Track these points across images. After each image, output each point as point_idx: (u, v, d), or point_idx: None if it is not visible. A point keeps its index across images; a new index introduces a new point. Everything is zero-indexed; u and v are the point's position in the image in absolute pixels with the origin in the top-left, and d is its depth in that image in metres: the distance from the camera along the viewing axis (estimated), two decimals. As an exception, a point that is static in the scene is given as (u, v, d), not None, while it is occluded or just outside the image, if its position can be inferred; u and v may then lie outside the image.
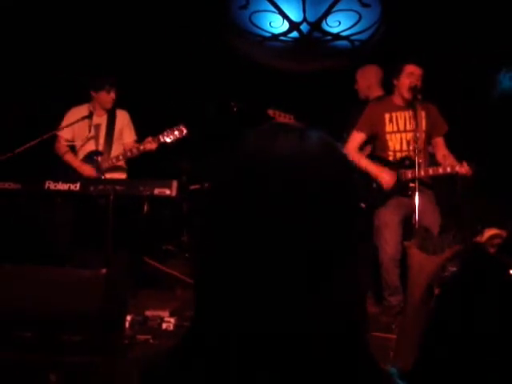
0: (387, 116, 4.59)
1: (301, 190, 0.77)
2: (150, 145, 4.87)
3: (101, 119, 5.16)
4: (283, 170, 0.78)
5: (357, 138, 4.68)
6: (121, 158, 5.01)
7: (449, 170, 4.40)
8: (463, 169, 4.35)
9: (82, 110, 5.14)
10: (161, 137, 4.85)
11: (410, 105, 4.49)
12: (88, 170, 5.00)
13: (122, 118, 5.23)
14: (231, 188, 0.80)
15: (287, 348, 0.75)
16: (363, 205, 4.55)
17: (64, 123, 5.08)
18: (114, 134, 5.16)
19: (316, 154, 0.81)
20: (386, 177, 4.50)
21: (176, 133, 4.84)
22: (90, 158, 5.10)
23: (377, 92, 5.23)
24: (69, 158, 5.13)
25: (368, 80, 5.31)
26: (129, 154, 4.97)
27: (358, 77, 5.37)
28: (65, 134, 5.10)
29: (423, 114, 4.58)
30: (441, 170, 4.43)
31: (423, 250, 1.42)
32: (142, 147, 4.90)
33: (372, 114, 4.65)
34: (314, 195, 0.77)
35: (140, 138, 5.17)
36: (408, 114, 4.53)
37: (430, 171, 4.42)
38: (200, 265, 0.83)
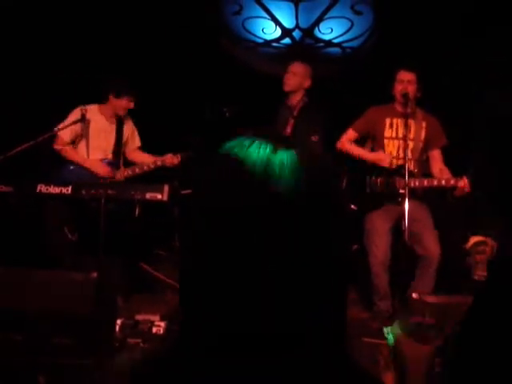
0: (388, 121, 4.62)
1: (288, 198, 0.78)
2: (170, 161, 4.88)
3: (108, 124, 5.05)
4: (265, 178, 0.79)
5: (350, 134, 4.78)
6: (137, 170, 4.95)
7: (444, 183, 4.42)
8: (462, 183, 4.35)
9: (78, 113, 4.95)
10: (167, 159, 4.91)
11: (411, 113, 4.53)
12: (103, 169, 4.91)
13: (130, 125, 5.18)
14: (215, 194, 0.81)
15: (274, 348, 0.76)
16: (354, 207, 4.60)
17: (65, 122, 4.90)
18: (122, 143, 5.09)
19: (301, 162, 0.82)
20: (383, 157, 4.57)
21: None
22: None
23: (301, 94, 5.18)
24: (74, 156, 4.96)
25: (305, 79, 5.17)
26: (146, 168, 4.93)
27: (298, 69, 5.14)
28: (64, 135, 4.93)
29: (424, 124, 4.62)
30: (435, 183, 4.43)
31: (415, 339, 1.43)
32: (159, 162, 4.89)
33: (372, 117, 4.69)
34: (299, 201, 0.79)
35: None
36: (409, 122, 4.56)
37: (425, 182, 4.44)
38: (186, 269, 0.84)
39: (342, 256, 0.83)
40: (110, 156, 5.02)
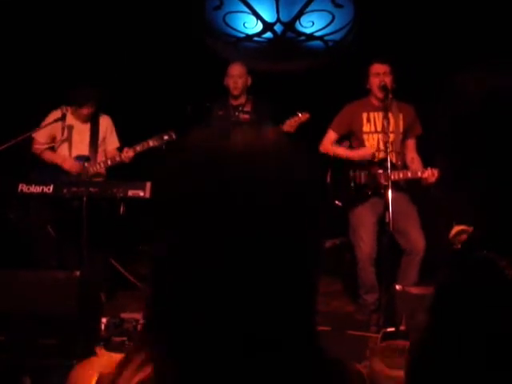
0: (365, 115, 4.61)
1: (260, 185, 0.76)
2: (126, 155, 4.81)
3: (81, 124, 5.03)
4: (241, 164, 0.77)
5: (330, 136, 4.73)
6: (102, 165, 4.92)
7: (409, 174, 4.48)
8: (425, 174, 4.41)
9: (59, 113, 4.98)
10: (150, 142, 4.79)
11: (386, 106, 4.53)
12: (73, 165, 4.88)
13: (105, 124, 5.12)
14: (183, 185, 0.78)
15: (243, 352, 0.74)
16: (339, 203, 4.59)
17: (43, 123, 4.93)
18: (98, 139, 5.04)
19: (273, 148, 0.80)
20: (364, 152, 4.57)
21: (165, 137, 4.78)
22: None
23: (245, 93, 5.26)
24: (49, 155, 4.98)
25: (247, 78, 5.27)
26: (109, 162, 4.90)
27: (240, 70, 5.23)
28: (40, 137, 4.95)
29: (401, 115, 4.61)
30: (409, 175, 4.50)
31: (388, 365, 1.43)
32: (118, 158, 4.85)
33: (348, 114, 4.68)
34: (274, 188, 0.76)
35: (122, 140, 5.14)
36: (386, 115, 4.56)
37: (401, 175, 4.47)
38: (154, 269, 0.82)
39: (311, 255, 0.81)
40: (86, 153, 4.99)
